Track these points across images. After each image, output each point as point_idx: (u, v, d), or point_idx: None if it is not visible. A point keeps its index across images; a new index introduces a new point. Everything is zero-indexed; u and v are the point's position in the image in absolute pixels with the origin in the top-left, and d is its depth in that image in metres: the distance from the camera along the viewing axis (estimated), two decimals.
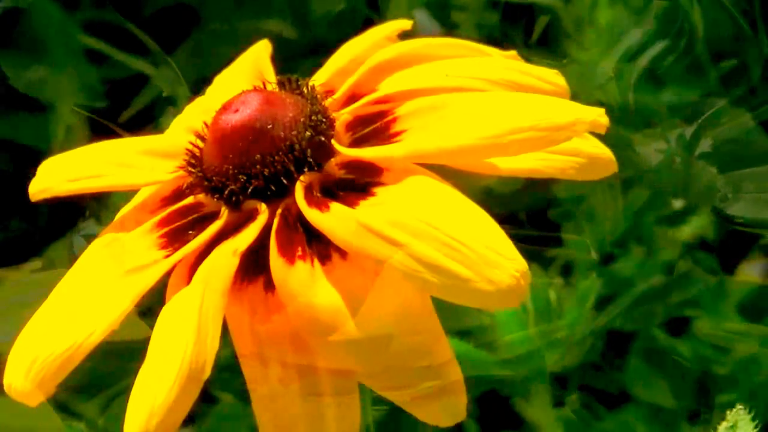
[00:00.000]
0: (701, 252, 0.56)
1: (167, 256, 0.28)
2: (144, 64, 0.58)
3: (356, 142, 0.29)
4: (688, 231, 0.52)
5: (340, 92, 0.30)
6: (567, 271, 0.52)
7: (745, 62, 0.54)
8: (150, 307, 0.30)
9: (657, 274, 0.50)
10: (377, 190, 0.27)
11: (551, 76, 0.32)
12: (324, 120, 0.28)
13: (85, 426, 0.47)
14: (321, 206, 0.27)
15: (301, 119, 0.28)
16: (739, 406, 0.36)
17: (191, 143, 0.29)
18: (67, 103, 0.53)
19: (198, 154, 0.29)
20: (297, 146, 0.28)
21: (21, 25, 0.56)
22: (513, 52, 0.32)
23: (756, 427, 0.35)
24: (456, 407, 0.28)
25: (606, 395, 0.58)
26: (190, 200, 0.29)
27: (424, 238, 0.26)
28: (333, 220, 0.26)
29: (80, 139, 0.49)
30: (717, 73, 0.53)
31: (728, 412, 0.36)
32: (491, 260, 0.25)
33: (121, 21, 0.55)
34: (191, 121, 0.32)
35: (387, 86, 0.30)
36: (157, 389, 0.26)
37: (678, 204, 0.52)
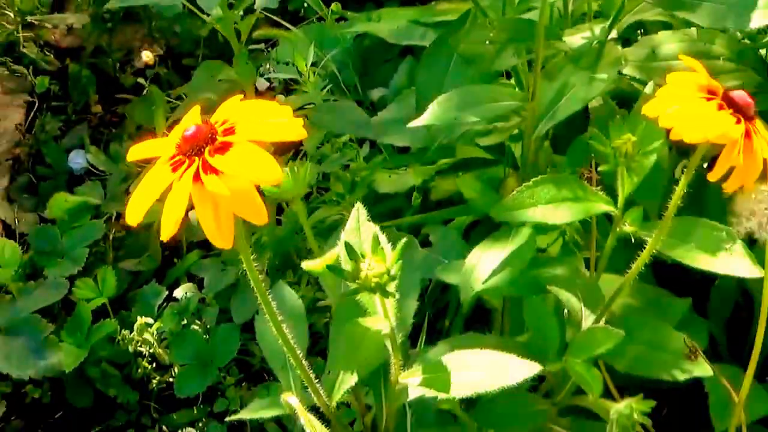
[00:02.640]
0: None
1: (174, 172, 0.67)
2: None
3: (223, 137, 0.68)
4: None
5: (220, 121, 0.69)
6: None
7: None
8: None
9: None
10: (230, 149, 0.67)
11: (287, 111, 0.76)
12: (215, 131, 0.68)
13: None
14: (212, 156, 0.66)
15: (208, 132, 0.68)
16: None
17: (178, 141, 0.69)
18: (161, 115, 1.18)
19: (179, 143, 0.68)
20: (207, 139, 0.68)
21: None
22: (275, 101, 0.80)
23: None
24: (264, 218, 0.74)
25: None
26: (179, 158, 0.68)
27: (250, 165, 0.66)
28: (216, 160, 0.66)
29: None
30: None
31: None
32: (271, 171, 0.67)
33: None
34: (176, 133, 0.70)
35: (232, 118, 0.69)
36: (168, 221, 0.66)
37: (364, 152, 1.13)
